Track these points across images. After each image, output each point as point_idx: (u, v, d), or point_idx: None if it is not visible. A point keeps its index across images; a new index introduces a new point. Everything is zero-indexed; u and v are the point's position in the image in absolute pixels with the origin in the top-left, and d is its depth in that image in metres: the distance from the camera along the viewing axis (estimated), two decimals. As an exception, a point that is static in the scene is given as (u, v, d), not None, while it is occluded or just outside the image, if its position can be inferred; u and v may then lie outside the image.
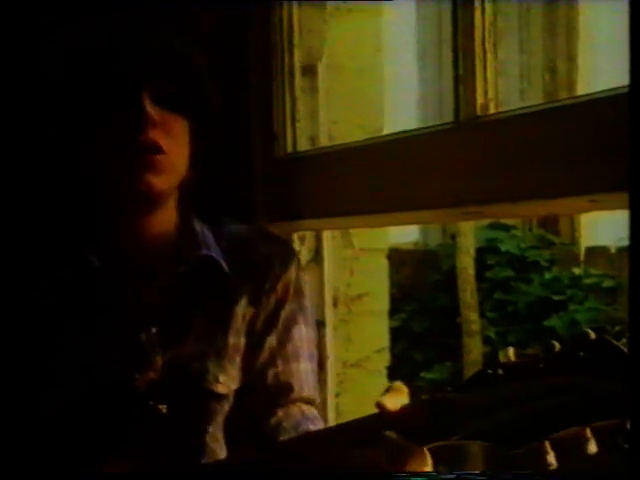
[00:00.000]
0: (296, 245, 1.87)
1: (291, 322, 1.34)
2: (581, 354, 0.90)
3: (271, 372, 1.32)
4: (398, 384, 1.06)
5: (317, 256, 1.92)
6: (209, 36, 1.74)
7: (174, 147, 1.24)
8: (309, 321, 1.37)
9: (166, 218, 1.30)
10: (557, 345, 0.93)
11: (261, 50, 1.81)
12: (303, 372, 1.34)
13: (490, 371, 0.96)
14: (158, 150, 1.22)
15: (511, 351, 0.97)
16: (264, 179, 1.81)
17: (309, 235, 1.91)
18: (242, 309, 1.31)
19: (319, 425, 1.34)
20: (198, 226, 1.32)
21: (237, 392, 1.31)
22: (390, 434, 1.01)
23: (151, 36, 1.26)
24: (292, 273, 1.35)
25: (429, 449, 1.02)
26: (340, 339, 2.05)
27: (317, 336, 1.44)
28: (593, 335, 0.91)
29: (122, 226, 1.28)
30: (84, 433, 1.23)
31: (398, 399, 1.04)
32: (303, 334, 1.35)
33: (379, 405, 1.04)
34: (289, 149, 1.82)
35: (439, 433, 1.00)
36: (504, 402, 0.93)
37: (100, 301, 1.26)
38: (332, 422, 1.78)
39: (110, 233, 1.28)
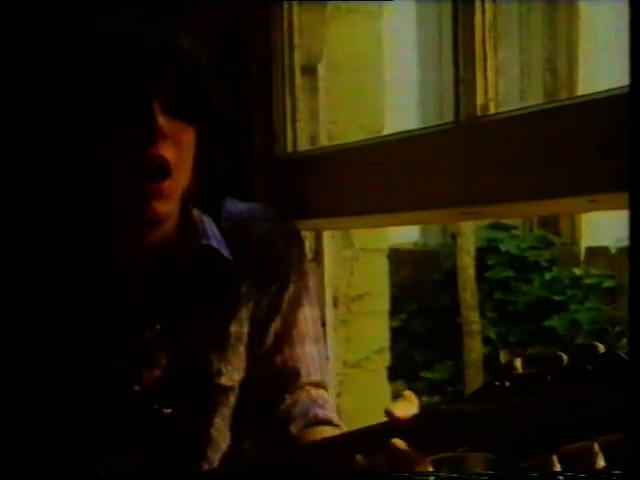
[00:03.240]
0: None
1: (295, 305, 1.31)
2: (589, 367, 0.89)
3: (278, 358, 1.29)
4: (408, 393, 1.06)
5: (317, 256, 1.91)
6: (209, 36, 1.74)
7: (181, 161, 1.21)
8: (313, 301, 1.34)
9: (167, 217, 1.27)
10: (565, 358, 0.92)
11: (261, 50, 1.81)
12: (310, 356, 1.31)
13: (497, 383, 0.95)
14: (165, 167, 1.18)
15: (518, 362, 0.96)
16: (264, 179, 1.81)
17: (309, 235, 1.91)
18: (244, 295, 1.28)
19: (328, 408, 1.32)
20: (197, 215, 1.29)
21: (243, 381, 1.29)
22: (397, 442, 1.01)
23: (157, 37, 1.21)
24: (294, 253, 1.32)
25: (435, 460, 1.02)
26: (340, 339, 2.05)
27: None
28: (602, 348, 0.90)
29: (122, 227, 1.26)
30: (85, 433, 1.23)
31: (407, 408, 1.04)
32: (308, 316, 1.32)
33: (388, 412, 1.03)
34: (289, 149, 1.82)
35: (446, 444, 0.99)
36: (511, 414, 0.93)
37: (100, 300, 1.25)
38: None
39: (109, 232, 1.27)
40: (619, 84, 1.11)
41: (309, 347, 1.32)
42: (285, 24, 1.81)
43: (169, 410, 1.24)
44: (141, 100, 1.18)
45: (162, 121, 1.17)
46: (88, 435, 1.23)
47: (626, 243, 0.91)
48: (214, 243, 1.27)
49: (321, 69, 1.94)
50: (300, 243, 1.34)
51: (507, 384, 0.95)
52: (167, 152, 1.18)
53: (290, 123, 1.82)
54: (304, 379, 1.30)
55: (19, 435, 1.24)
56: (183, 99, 1.20)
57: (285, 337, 1.30)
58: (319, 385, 1.32)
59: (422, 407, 1.04)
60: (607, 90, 1.19)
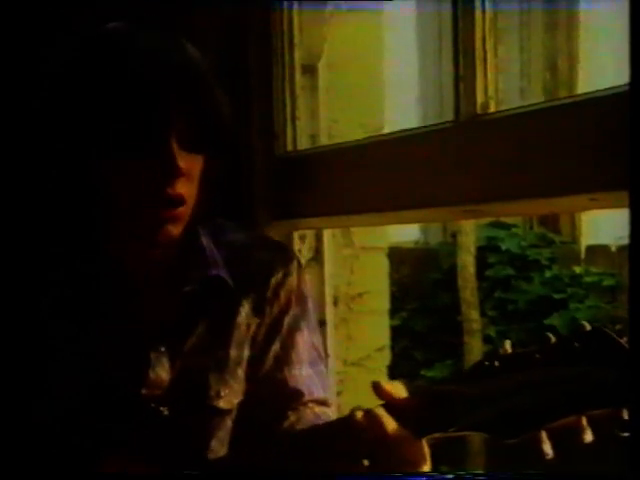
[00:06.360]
0: (296, 244, 1.87)
1: (295, 328, 1.32)
2: (576, 345, 0.91)
3: (279, 379, 1.30)
4: (397, 383, 1.07)
5: (317, 255, 1.92)
6: (210, 36, 1.74)
7: (193, 191, 1.21)
8: (312, 325, 1.36)
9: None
10: (552, 337, 0.94)
11: (261, 49, 1.81)
12: (310, 377, 1.32)
13: (487, 363, 0.97)
14: (181, 203, 1.19)
15: (507, 343, 0.98)
16: (264, 177, 1.81)
17: (309, 234, 1.91)
18: (245, 320, 1.30)
19: None
20: (205, 241, 1.30)
21: (243, 403, 1.30)
22: (388, 420, 1.02)
23: (169, 66, 1.17)
24: (294, 279, 1.33)
25: (427, 441, 1.03)
26: (341, 338, 2.05)
27: (321, 336, 1.42)
28: (588, 326, 0.92)
29: (128, 241, 1.25)
30: (84, 433, 1.23)
31: (396, 388, 1.05)
32: (306, 339, 1.33)
33: (376, 386, 1.04)
34: (289, 147, 1.82)
35: (437, 425, 1.01)
36: (501, 393, 0.95)
37: (103, 313, 1.25)
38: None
39: (115, 245, 1.26)
40: (619, 83, 1.11)
41: (309, 369, 1.33)
42: (285, 24, 1.81)
43: (166, 408, 1.25)
44: (158, 137, 1.17)
45: (181, 161, 1.17)
46: (87, 436, 1.23)
47: (626, 241, 0.92)
48: (222, 273, 1.29)
49: (321, 68, 1.95)
50: (299, 270, 1.36)
51: (496, 364, 0.96)
52: (183, 188, 1.19)
53: (290, 122, 1.82)
54: (307, 398, 1.31)
55: (17, 438, 1.23)
56: (198, 133, 1.20)
57: (284, 359, 1.32)
58: (322, 402, 1.33)
59: (411, 390, 1.05)
60: (607, 89, 1.19)
